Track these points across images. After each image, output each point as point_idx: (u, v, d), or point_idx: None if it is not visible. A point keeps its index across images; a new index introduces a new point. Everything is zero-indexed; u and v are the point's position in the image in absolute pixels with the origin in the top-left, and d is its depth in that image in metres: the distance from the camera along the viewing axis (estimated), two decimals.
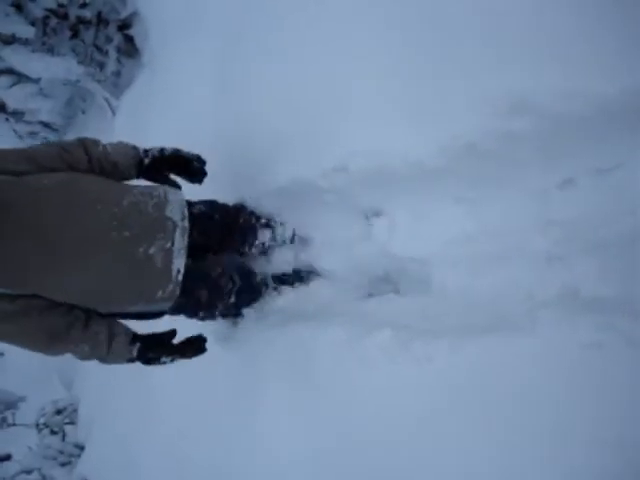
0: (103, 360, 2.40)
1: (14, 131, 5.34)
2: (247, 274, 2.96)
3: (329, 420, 2.53)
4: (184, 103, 3.53)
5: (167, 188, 2.49)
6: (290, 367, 2.77)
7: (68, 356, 2.33)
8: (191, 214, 2.53)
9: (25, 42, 4.18)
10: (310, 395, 2.61)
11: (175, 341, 2.47)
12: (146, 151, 2.46)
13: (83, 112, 5.26)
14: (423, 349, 2.30)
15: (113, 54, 4.63)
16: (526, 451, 1.95)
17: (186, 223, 2.47)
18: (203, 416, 3.38)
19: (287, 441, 2.68)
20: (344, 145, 2.56)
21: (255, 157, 3.03)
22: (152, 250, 2.34)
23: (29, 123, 5.26)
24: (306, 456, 2.56)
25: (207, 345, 2.52)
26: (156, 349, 2.45)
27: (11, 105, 4.94)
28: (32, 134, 5.40)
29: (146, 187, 2.43)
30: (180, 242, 2.42)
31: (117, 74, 4.67)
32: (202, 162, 2.57)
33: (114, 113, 4.57)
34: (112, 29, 4.64)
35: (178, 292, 2.44)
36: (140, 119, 4.00)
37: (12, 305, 2.11)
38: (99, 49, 4.68)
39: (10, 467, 5.14)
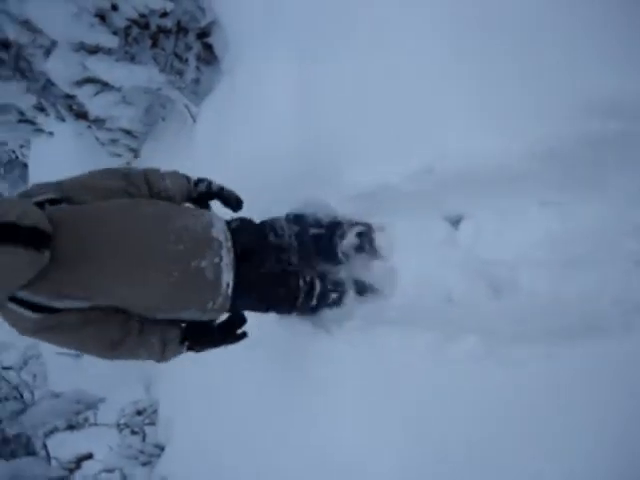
0: (158, 362, 2.78)
1: (96, 138, 5.49)
2: (325, 279, 3.20)
3: (412, 423, 2.53)
4: (264, 109, 3.57)
5: (212, 214, 2.91)
6: (371, 370, 2.77)
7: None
8: (233, 230, 2.92)
9: (108, 52, 4.28)
10: (394, 399, 2.61)
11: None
12: (196, 185, 2.92)
13: (163, 119, 5.36)
14: (511, 354, 2.28)
15: (192, 62, 4.71)
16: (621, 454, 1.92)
17: (229, 244, 2.82)
18: (283, 416, 3.40)
19: (372, 446, 2.67)
20: (431, 147, 2.55)
21: (335, 161, 3.04)
22: (203, 264, 2.67)
23: (110, 130, 5.39)
24: (391, 461, 2.56)
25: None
26: (202, 343, 2.82)
27: (93, 113, 5.07)
28: (113, 141, 5.53)
29: (195, 210, 2.86)
30: (227, 258, 2.77)
31: (196, 82, 4.75)
32: (239, 201, 2.99)
33: (194, 120, 4.65)
34: (191, 37, 4.72)
35: (228, 305, 2.80)
36: (220, 126, 4.06)
37: (76, 316, 2.45)
38: (179, 57, 4.77)
39: (92, 466, 5.27)
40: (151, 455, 5.27)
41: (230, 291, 2.78)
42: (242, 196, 2.95)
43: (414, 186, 2.75)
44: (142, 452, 5.33)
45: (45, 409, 5.96)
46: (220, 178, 3.53)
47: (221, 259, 2.75)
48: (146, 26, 4.53)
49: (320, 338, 3.14)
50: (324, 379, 3.07)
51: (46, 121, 6.48)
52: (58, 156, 7.33)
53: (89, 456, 5.10)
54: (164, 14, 4.48)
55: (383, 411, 2.68)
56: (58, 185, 2.58)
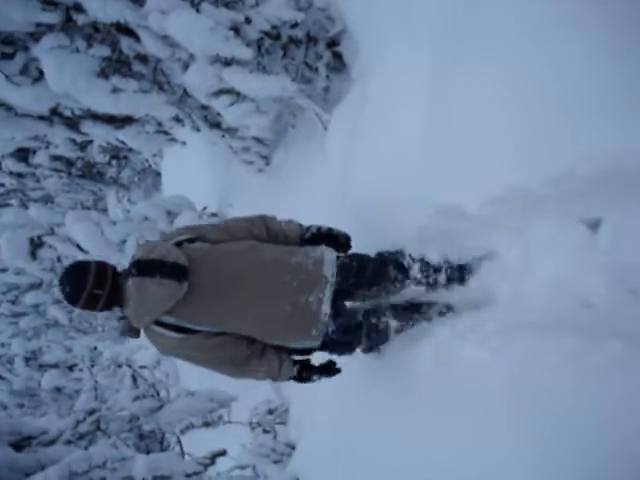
0: (274, 380, 3.39)
1: (229, 147, 5.70)
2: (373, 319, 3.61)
3: (549, 432, 2.48)
4: (394, 118, 3.59)
5: (324, 248, 3.37)
6: (511, 378, 2.74)
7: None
8: (339, 264, 3.37)
9: (243, 63, 4.43)
10: (535, 406, 2.57)
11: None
12: (307, 228, 3.46)
13: (293, 127, 5.50)
14: None
15: (322, 71, 4.83)
16: None
17: (334, 279, 3.28)
18: (415, 423, 3.39)
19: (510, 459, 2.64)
20: (573, 150, 2.52)
21: (463, 168, 3.04)
22: (310, 299, 3.19)
23: (243, 139, 5.59)
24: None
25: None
26: (309, 370, 3.46)
27: (227, 122, 5.26)
28: (245, 149, 5.73)
29: (308, 248, 3.34)
30: (328, 293, 3.25)
31: (326, 90, 4.87)
32: (348, 239, 3.54)
33: (325, 128, 4.74)
34: (321, 47, 4.84)
35: (325, 330, 3.26)
36: (351, 134, 4.11)
37: (208, 341, 3.08)
38: (309, 66, 4.90)
39: (225, 462, 5.44)
40: (282, 454, 5.40)
41: (327, 319, 3.25)
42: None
43: (551, 190, 2.72)
44: (274, 450, 5.47)
45: (180, 407, 6.20)
46: (348, 188, 3.63)
47: (324, 294, 3.23)
48: (278, 37, 4.67)
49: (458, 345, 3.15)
50: (463, 391, 3.05)
51: (180, 131, 6.76)
52: (191, 164, 7.64)
53: (223, 453, 5.25)
54: (294, 25, 4.60)
55: (524, 421, 2.64)
56: (193, 228, 3.29)
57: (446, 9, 3.23)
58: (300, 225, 3.47)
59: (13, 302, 13.78)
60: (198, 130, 5.72)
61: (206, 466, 5.09)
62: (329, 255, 3.32)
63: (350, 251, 3.59)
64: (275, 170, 5.77)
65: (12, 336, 13.22)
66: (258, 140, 5.64)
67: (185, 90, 5.22)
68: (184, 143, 7.18)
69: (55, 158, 11.51)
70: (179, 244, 3.14)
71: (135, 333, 3.17)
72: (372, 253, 3.69)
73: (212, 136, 5.65)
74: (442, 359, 3.22)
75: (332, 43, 4.83)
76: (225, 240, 3.23)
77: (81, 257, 7.59)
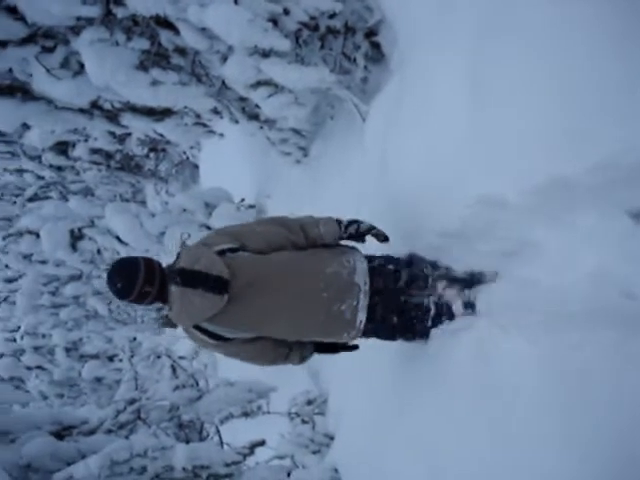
0: (295, 365, 3.72)
1: (267, 138, 5.72)
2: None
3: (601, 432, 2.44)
4: (434, 109, 3.55)
5: (356, 256, 3.51)
6: (550, 371, 2.72)
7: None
8: (372, 268, 3.51)
9: (281, 54, 4.43)
10: (578, 400, 2.55)
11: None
12: (346, 228, 3.52)
13: (331, 118, 5.50)
14: None
15: (361, 61, 4.81)
16: None
17: (367, 287, 3.43)
18: (455, 417, 3.38)
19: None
20: (619, 138, 2.47)
21: (507, 151, 3.00)
22: (343, 307, 3.38)
23: (281, 130, 5.60)
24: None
25: None
26: (326, 351, 3.75)
27: (265, 114, 5.28)
28: (283, 141, 5.74)
29: (341, 255, 3.47)
30: (363, 301, 3.42)
31: (364, 80, 4.85)
32: (386, 238, 3.61)
33: (364, 119, 4.72)
34: (359, 37, 4.82)
35: (359, 335, 3.52)
36: (389, 125, 4.09)
37: (241, 347, 3.43)
38: (347, 57, 4.89)
39: (264, 452, 5.47)
40: (321, 444, 5.41)
41: (362, 326, 3.46)
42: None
43: (594, 179, 2.68)
44: (312, 441, 5.48)
45: (219, 397, 6.25)
46: (386, 180, 3.61)
47: (358, 302, 3.41)
48: (316, 28, 4.66)
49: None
50: (499, 381, 3.04)
51: (218, 123, 6.80)
52: (228, 156, 7.68)
53: (262, 443, 5.29)
54: (333, 15, 4.58)
55: (562, 413, 2.61)
56: (234, 235, 3.38)
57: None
58: (339, 224, 3.53)
59: (53, 293, 14.02)
60: (236, 122, 5.74)
61: (245, 456, 5.13)
62: (361, 265, 3.48)
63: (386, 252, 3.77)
64: (313, 161, 5.77)
65: (53, 327, 13.43)
66: (296, 131, 5.64)
67: (223, 82, 5.24)
68: (222, 135, 7.21)
69: (94, 151, 11.67)
70: (222, 252, 3.28)
71: (174, 325, 3.44)
72: (406, 251, 3.85)
73: (250, 128, 5.67)
74: (482, 352, 3.20)
75: (370, 33, 4.79)
76: (264, 250, 3.37)
77: (121, 249, 7.70)
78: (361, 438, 4.58)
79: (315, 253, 3.47)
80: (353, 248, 3.62)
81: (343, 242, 3.63)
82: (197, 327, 3.30)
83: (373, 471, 4.20)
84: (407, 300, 3.67)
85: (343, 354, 3.81)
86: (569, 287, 3.02)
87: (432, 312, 3.64)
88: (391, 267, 3.66)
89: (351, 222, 3.56)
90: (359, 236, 3.59)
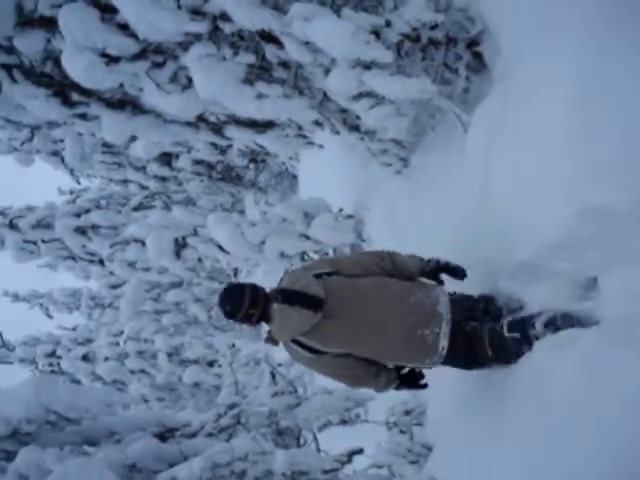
0: (378, 392, 4.18)
1: (368, 149, 5.77)
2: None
3: None
4: (540, 120, 3.50)
5: (439, 290, 3.96)
6: None
7: None
8: (452, 302, 3.90)
9: (383, 66, 4.47)
10: None
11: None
12: (428, 262, 4.07)
13: (432, 129, 5.50)
14: None
15: (462, 72, 4.79)
16: None
17: (449, 316, 3.80)
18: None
19: None
20: None
21: (617, 161, 2.95)
22: (426, 332, 3.74)
23: (381, 141, 5.63)
24: None
25: None
26: (407, 385, 4.18)
27: (366, 125, 5.33)
28: (384, 152, 5.78)
29: (425, 287, 3.97)
30: (445, 329, 3.77)
31: (466, 91, 4.83)
32: (463, 272, 4.12)
33: (465, 129, 4.70)
34: (461, 47, 4.80)
35: (441, 361, 3.85)
36: (493, 135, 4.05)
37: (334, 360, 3.81)
38: (449, 68, 4.88)
39: (361, 461, 5.51)
40: (419, 454, 5.41)
41: (445, 352, 3.80)
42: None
43: None
44: (410, 451, 5.48)
45: (318, 404, 6.33)
46: (487, 193, 3.61)
47: (440, 329, 3.76)
48: (417, 39, 4.67)
49: None
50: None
51: (318, 134, 6.88)
52: (327, 167, 7.77)
53: (360, 451, 5.33)
54: (434, 26, 4.58)
55: None
56: (331, 262, 4.06)
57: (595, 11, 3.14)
58: (421, 260, 4.09)
59: (155, 300, 14.46)
60: (337, 133, 5.80)
61: (343, 463, 5.18)
62: (444, 297, 3.90)
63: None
64: (414, 172, 5.77)
65: (155, 332, 13.84)
66: (397, 142, 5.66)
67: (325, 94, 5.31)
68: (321, 146, 7.30)
69: (197, 162, 12.00)
70: (319, 276, 3.86)
71: (276, 343, 3.95)
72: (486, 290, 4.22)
73: (351, 139, 5.72)
74: (589, 366, 3.14)
75: (472, 43, 4.77)
76: (358, 274, 3.93)
77: (222, 257, 7.88)
78: (461, 451, 4.55)
79: (401, 282, 3.95)
80: (437, 284, 4.09)
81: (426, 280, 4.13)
82: (295, 341, 3.78)
83: None
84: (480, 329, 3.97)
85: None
86: None
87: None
88: (470, 303, 4.08)
89: (431, 259, 4.11)
90: (439, 270, 4.10)
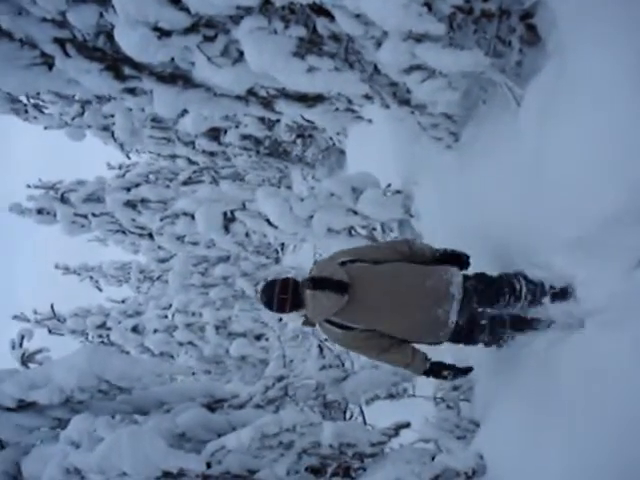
0: (407, 367, 4.59)
1: (418, 123, 5.71)
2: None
3: None
4: (596, 99, 3.43)
5: (453, 271, 4.44)
6: None
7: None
8: (465, 288, 4.36)
9: (435, 39, 4.41)
10: None
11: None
12: (437, 250, 4.66)
13: (484, 102, 5.41)
14: None
15: (516, 44, 4.71)
16: None
17: (460, 297, 4.32)
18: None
19: None
20: None
21: None
22: (440, 312, 4.29)
23: (432, 115, 5.58)
24: None
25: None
26: (439, 366, 4.61)
27: (417, 99, 5.28)
28: (434, 126, 5.71)
29: (440, 270, 4.44)
30: (456, 307, 4.31)
31: (519, 64, 4.74)
32: (468, 258, 4.69)
33: (518, 103, 4.63)
34: (514, 20, 4.71)
35: (450, 334, 4.40)
36: (546, 112, 3.99)
37: (362, 334, 4.39)
38: (502, 40, 4.79)
39: (408, 435, 5.52)
40: (466, 430, 5.40)
41: (453, 325, 4.34)
42: None
43: None
44: (457, 426, 5.48)
45: (365, 378, 6.36)
46: (539, 171, 3.56)
47: (451, 308, 4.30)
48: (470, 11, 4.59)
49: None
50: None
51: (367, 109, 6.83)
52: (376, 142, 7.71)
53: (407, 425, 5.35)
54: None
55: None
56: (354, 252, 4.58)
57: None
58: (431, 248, 4.69)
59: (203, 274, 14.62)
60: (387, 107, 5.74)
61: (390, 437, 5.20)
62: (457, 278, 4.39)
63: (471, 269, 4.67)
64: (464, 147, 5.70)
65: (202, 305, 14.00)
66: (448, 116, 5.59)
67: (375, 67, 5.26)
68: (370, 121, 7.23)
69: (244, 137, 12.03)
70: (343, 263, 4.41)
71: (312, 324, 4.61)
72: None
73: (400, 113, 5.66)
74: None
75: (526, 16, 4.67)
76: (378, 260, 4.45)
77: (270, 232, 7.91)
78: (510, 428, 4.55)
79: (418, 266, 4.47)
80: (449, 266, 4.51)
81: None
82: (328, 321, 4.37)
83: (522, 462, 4.16)
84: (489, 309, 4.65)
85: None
86: None
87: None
88: (479, 286, 4.47)
89: (440, 247, 4.70)
90: (447, 256, 4.64)
